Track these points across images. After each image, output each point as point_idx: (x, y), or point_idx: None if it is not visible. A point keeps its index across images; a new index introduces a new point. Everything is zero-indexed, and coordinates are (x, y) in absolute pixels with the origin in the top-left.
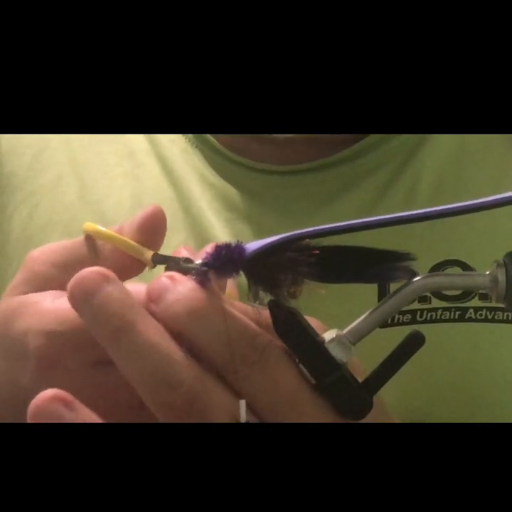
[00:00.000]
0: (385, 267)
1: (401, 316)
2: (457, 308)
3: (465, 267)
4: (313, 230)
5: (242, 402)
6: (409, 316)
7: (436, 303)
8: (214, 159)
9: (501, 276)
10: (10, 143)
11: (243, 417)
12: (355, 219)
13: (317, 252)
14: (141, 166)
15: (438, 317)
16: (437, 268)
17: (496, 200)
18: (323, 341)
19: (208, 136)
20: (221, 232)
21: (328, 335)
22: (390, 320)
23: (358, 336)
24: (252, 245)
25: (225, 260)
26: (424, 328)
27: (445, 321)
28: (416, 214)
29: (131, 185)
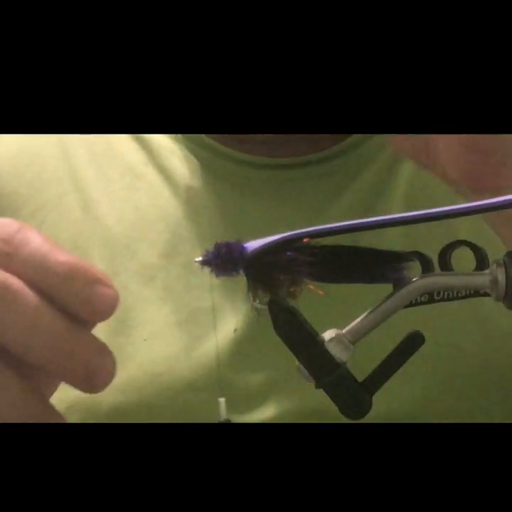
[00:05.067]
0: (384, 267)
1: (418, 297)
2: None
3: (474, 247)
4: (314, 230)
5: (222, 401)
6: (427, 296)
7: None
8: (205, 157)
9: (501, 276)
10: (9, 163)
11: (223, 414)
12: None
13: (317, 251)
14: (141, 178)
15: (454, 295)
16: (448, 249)
17: (502, 201)
18: (322, 341)
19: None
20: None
21: (328, 334)
22: None
23: (357, 336)
24: (252, 244)
25: (224, 259)
26: (441, 306)
27: (461, 297)
28: (416, 215)
29: (134, 198)
